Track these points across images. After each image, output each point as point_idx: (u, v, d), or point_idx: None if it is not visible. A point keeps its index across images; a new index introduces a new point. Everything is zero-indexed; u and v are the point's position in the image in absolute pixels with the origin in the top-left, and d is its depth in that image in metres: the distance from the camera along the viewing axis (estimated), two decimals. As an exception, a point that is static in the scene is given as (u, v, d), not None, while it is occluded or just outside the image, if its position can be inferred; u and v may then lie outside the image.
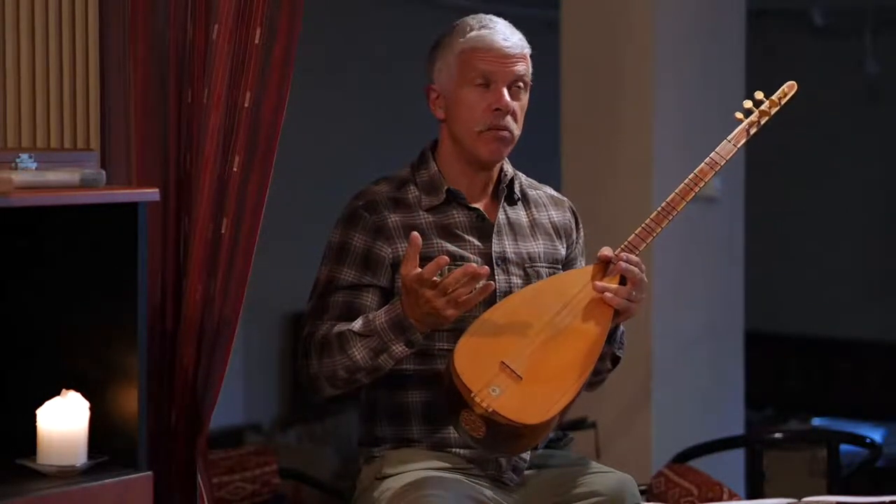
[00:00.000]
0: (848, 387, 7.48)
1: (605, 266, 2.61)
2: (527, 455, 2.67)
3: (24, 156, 2.41)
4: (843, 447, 4.09)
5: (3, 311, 2.64)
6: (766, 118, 2.71)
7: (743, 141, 2.70)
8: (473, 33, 2.67)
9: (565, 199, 2.87)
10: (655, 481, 3.73)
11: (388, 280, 2.64)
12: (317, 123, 6.28)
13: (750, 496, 4.24)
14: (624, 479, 2.65)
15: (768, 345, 7.26)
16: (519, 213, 2.76)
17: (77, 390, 2.43)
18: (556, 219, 2.81)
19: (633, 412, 4.77)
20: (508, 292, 2.65)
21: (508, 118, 2.66)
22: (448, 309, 2.43)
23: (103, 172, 2.48)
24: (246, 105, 2.73)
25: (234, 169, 2.74)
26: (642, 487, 3.50)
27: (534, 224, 2.77)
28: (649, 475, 4.02)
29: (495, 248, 2.69)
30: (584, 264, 2.81)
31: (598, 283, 2.58)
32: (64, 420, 2.40)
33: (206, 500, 2.76)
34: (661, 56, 4.75)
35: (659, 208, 2.65)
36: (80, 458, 2.41)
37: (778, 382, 7.51)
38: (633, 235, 2.63)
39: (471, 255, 2.66)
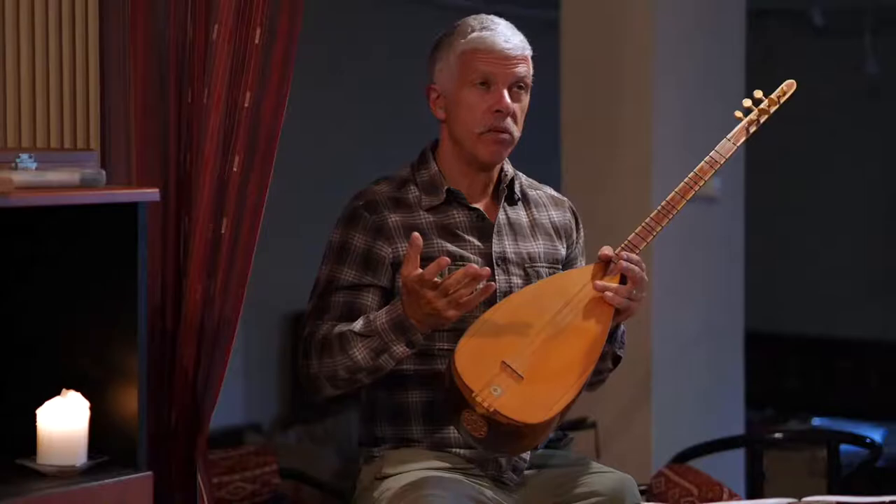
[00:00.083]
0: (848, 387, 7.47)
1: (605, 265, 2.61)
2: (527, 455, 2.67)
3: (24, 156, 2.41)
4: (843, 447, 4.09)
5: (3, 311, 2.64)
6: (766, 117, 2.71)
7: (742, 139, 2.70)
8: (475, 34, 2.67)
9: (565, 199, 2.87)
10: (655, 481, 3.73)
11: (388, 280, 2.64)
12: (317, 123, 6.27)
13: (750, 496, 4.24)
14: (624, 479, 2.65)
15: (768, 345, 7.26)
16: (519, 214, 2.76)
17: (77, 390, 2.43)
18: (556, 219, 2.81)
19: (632, 412, 4.77)
20: (509, 292, 2.65)
21: (509, 120, 2.66)
22: (449, 310, 2.43)
23: (103, 172, 2.48)
24: (246, 105, 2.73)
25: (234, 169, 2.74)
26: (642, 487, 3.50)
27: (534, 224, 2.77)
28: (649, 475, 4.02)
29: (495, 248, 2.69)
30: (584, 264, 2.81)
31: (599, 283, 2.58)
32: (64, 420, 2.40)
33: (206, 500, 2.76)
34: (661, 56, 4.75)
35: (659, 207, 2.65)
36: (80, 458, 2.41)
37: (778, 382, 7.50)
38: (633, 234, 2.64)
39: (471, 255, 2.66)
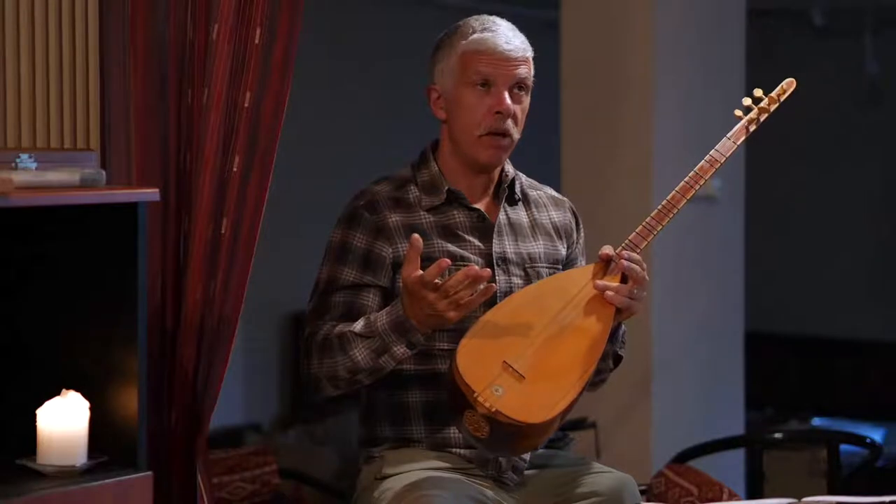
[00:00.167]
0: (848, 387, 7.47)
1: (606, 265, 2.61)
2: (527, 455, 2.67)
3: (24, 156, 2.41)
4: (843, 447, 4.09)
5: (3, 311, 2.64)
6: (766, 115, 2.71)
7: (743, 138, 2.70)
8: (476, 35, 2.67)
9: (566, 199, 2.87)
10: (655, 481, 3.73)
11: (388, 280, 2.64)
12: (317, 123, 6.27)
13: (750, 496, 4.25)
14: (624, 479, 2.65)
15: (768, 345, 7.26)
16: (519, 214, 2.76)
17: (77, 390, 2.43)
18: (556, 219, 2.81)
19: (632, 412, 4.77)
20: (509, 292, 2.65)
21: (509, 121, 2.66)
22: (450, 311, 2.43)
23: (103, 172, 2.48)
24: (246, 105, 2.73)
25: (234, 169, 2.74)
26: (642, 487, 3.50)
27: (534, 224, 2.77)
28: (649, 475, 4.02)
29: (496, 248, 2.69)
30: (584, 264, 2.80)
31: (600, 282, 2.58)
32: (64, 420, 2.40)
33: (206, 500, 2.76)
34: (662, 56, 4.75)
35: (659, 206, 2.64)
36: (80, 458, 2.41)
37: (778, 382, 7.51)
38: (633, 234, 2.63)
39: (471, 256, 2.66)
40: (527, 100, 2.71)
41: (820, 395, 7.46)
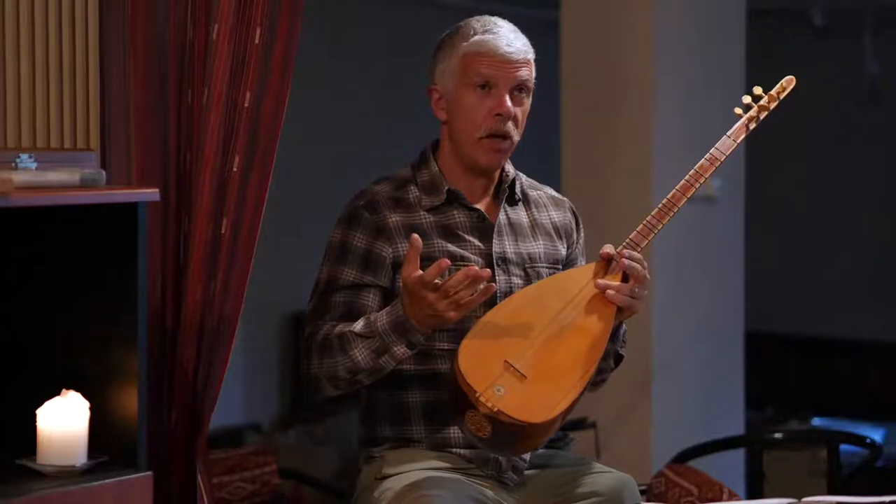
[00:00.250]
0: (848, 387, 7.47)
1: (606, 264, 2.61)
2: (527, 455, 2.67)
3: (24, 156, 2.41)
4: (843, 447, 4.09)
5: (3, 311, 2.64)
6: (766, 113, 2.71)
7: (743, 136, 2.70)
8: (477, 37, 2.67)
9: (566, 199, 2.87)
10: (655, 481, 3.73)
11: (388, 280, 2.64)
12: (317, 123, 6.27)
13: (750, 496, 4.25)
14: (624, 479, 2.65)
15: (768, 345, 7.26)
16: (519, 214, 2.76)
17: (77, 390, 2.43)
18: (556, 219, 2.81)
19: (632, 412, 4.77)
20: (509, 293, 2.65)
21: (509, 123, 2.66)
22: (450, 311, 2.43)
23: (103, 172, 2.48)
24: (246, 105, 2.73)
25: (234, 169, 2.74)
26: (642, 487, 3.50)
27: (534, 224, 2.77)
28: (649, 475, 4.02)
29: (496, 248, 2.69)
30: (584, 264, 2.80)
31: (601, 281, 2.58)
32: (64, 420, 2.40)
33: (206, 500, 2.76)
34: (662, 56, 4.75)
35: (660, 205, 2.64)
36: (80, 458, 2.41)
37: (778, 382, 7.51)
38: (634, 232, 2.63)
39: (471, 256, 2.66)
40: (528, 102, 2.70)
41: (820, 395, 7.46)
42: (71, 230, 2.54)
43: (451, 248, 2.65)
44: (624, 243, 2.62)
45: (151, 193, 2.49)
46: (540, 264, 2.73)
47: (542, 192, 2.84)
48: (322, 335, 2.58)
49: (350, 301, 2.62)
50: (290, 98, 2.74)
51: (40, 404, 2.41)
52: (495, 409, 2.41)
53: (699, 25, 4.93)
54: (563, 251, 2.79)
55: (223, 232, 2.75)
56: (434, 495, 2.47)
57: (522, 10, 5.10)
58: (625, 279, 2.59)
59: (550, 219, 2.80)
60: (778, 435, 4.34)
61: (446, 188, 2.70)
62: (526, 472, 2.67)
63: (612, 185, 4.79)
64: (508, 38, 2.67)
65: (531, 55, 2.70)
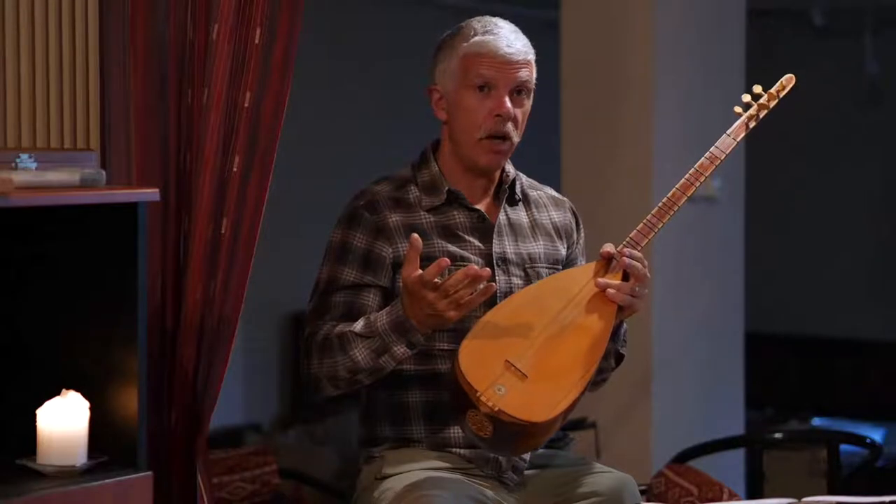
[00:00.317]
0: (848, 387, 7.47)
1: (606, 263, 2.61)
2: (527, 455, 2.67)
3: (24, 156, 2.41)
4: (843, 447, 4.09)
5: (3, 311, 2.64)
6: (765, 111, 2.71)
7: (742, 135, 2.70)
8: (477, 38, 2.66)
9: (566, 199, 2.87)
10: (655, 481, 3.73)
11: (388, 280, 2.64)
12: (317, 123, 6.27)
13: (750, 496, 4.25)
14: (624, 479, 2.65)
15: (768, 345, 7.26)
16: (519, 214, 2.76)
17: (77, 390, 2.43)
18: (556, 219, 2.81)
19: (632, 412, 4.77)
20: (509, 293, 2.65)
21: (509, 124, 2.66)
22: (450, 311, 2.43)
23: (103, 172, 2.48)
24: (246, 105, 2.73)
25: (234, 169, 2.74)
26: (642, 487, 3.50)
27: (534, 225, 2.77)
28: (649, 475, 4.02)
29: (496, 248, 2.69)
30: (584, 264, 2.80)
31: (601, 280, 2.58)
32: (64, 420, 2.40)
33: (206, 500, 2.76)
34: (662, 56, 4.75)
35: (660, 204, 2.64)
36: (79, 458, 2.41)
37: (778, 382, 7.51)
38: (634, 231, 2.63)
39: (471, 256, 2.66)
40: (528, 103, 2.70)
41: (820, 395, 7.46)
42: (71, 230, 2.54)
43: (451, 248, 2.65)
44: (624, 242, 2.62)
45: (151, 193, 2.49)
46: (540, 264, 2.73)
47: (542, 193, 2.84)
48: (322, 335, 2.58)
49: (350, 301, 2.62)
50: (290, 98, 2.74)
51: (40, 404, 2.41)
52: (496, 409, 2.41)
53: (699, 25, 4.93)
54: (563, 251, 2.79)
55: (223, 232, 2.75)
56: (434, 495, 2.47)
57: (522, 10, 5.10)
58: (625, 278, 2.59)
59: (550, 219, 2.80)
60: (778, 435, 4.35)
61: (446, 188, 2.70)
62: (526, 472, 2.67)
63: (612, 185, 4.79)
64: (509, 39, 2.67)
65: (531, 56, 2.69)
